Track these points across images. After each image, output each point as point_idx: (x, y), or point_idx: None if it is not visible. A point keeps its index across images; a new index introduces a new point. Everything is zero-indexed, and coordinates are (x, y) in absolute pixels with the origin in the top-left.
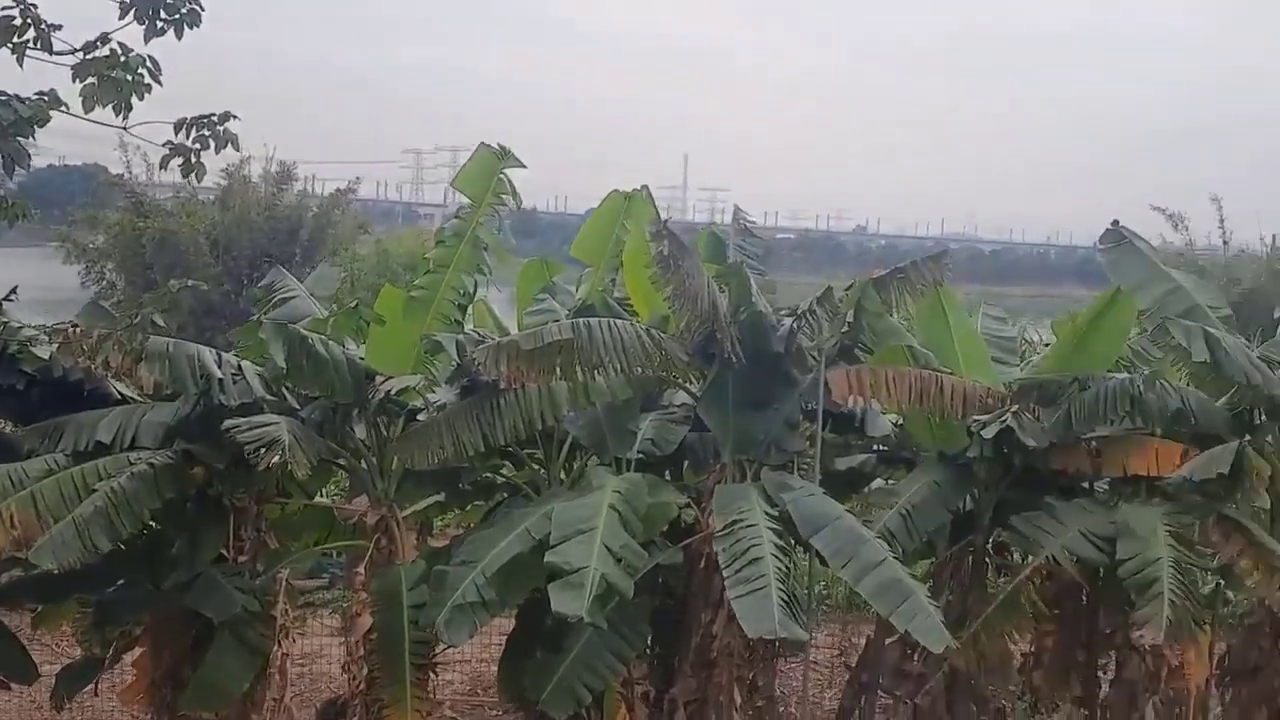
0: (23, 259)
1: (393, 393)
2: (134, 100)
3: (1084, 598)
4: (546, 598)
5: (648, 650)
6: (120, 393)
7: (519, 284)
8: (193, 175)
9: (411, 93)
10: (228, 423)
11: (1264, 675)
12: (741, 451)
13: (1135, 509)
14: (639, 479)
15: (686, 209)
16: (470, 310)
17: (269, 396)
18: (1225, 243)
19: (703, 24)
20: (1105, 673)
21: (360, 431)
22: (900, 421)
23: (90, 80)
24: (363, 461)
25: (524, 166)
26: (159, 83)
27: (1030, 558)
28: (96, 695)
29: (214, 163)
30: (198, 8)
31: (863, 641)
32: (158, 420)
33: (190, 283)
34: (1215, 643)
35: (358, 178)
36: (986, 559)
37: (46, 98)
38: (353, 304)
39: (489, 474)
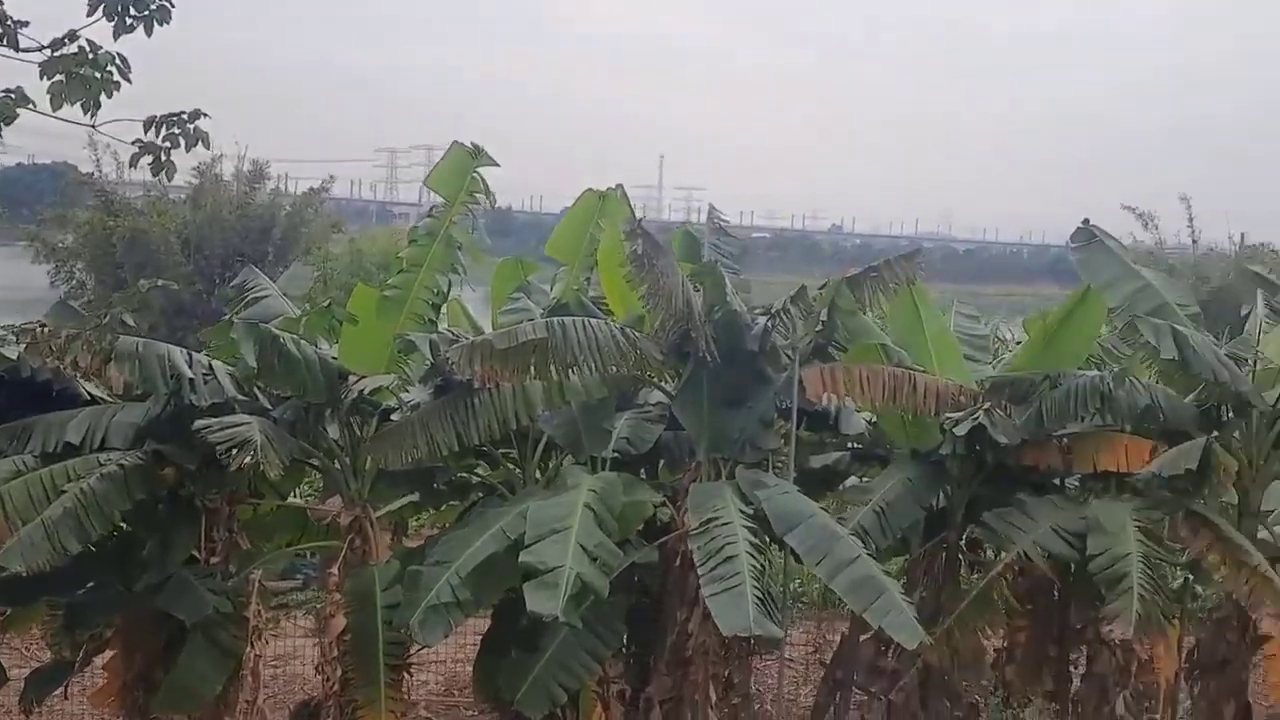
0: None
1: (366, 392)
2: (103, 98)
3: (1055, 593)
4: (522, 597)
5: (623, 649)
6: (89, 393)
7: (493, 283)
8: (163, 174)
9: (409, 92)
10: (199, 423)
11: (1232, 668)
12: (716, 450)
13: (1105, 505)
14: (614, 478)
15: (662, 208)
16: (444, 310)
17: (240, 396)
18: (1194, 241)
19: (684, 24)
20: (1077, 667)
21: (333, 431)
22: (874, 419)
23: (58, 78)
24: (336, 462)
25: (497, 165)
26: (128, 80)
27: (1002, 554)
28: (67, 699)
29: (185, 161)
30: (167, 4)
31: (837, 638)
32: (128, 421)
33: (160, 282)
34: (1184, 637)
35: (331, 176)
36: (959, 555)
37: (14, 95)
38: (325, 303)
39: (464, 474)
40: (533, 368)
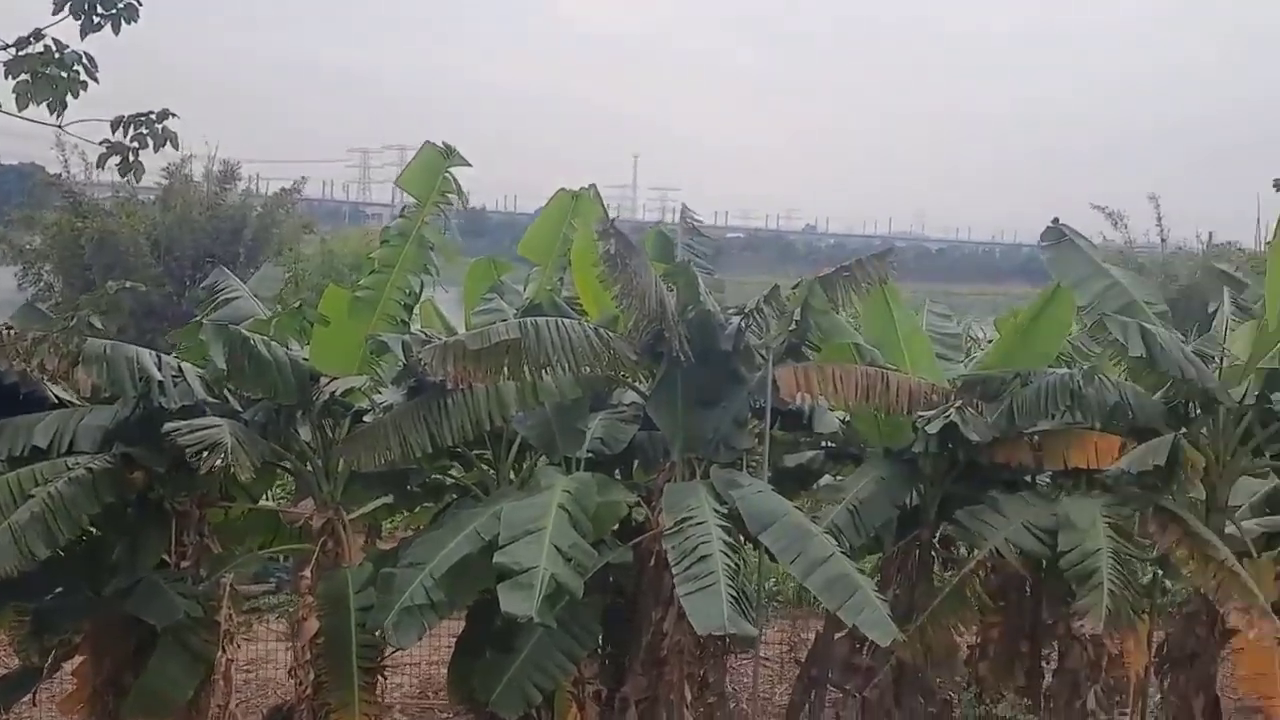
0: None
1: (338, 394)
2: (70, 98)
3: (1027, 589)
4: (496, 598)
5: (599, 649)
6: (57, 396)
7: (466, 284)
8: (131, 174)
9: (385, 92)
10: (168, 426)
11: (1201, 662)
12: (691, 450)
13: (1076, 501)
14: (588, 478)
15: (636, 208)
16: (417, 310)
17: (210, 399)
18: (1163, 240)
19: (659, 25)
20: (1049, 662)
21: (305, 433)
22: (847, 418)
23: (23, 77)
24: (308, 464)
25: (469, 165)
26: (95, 80)
27: (975, 551)
28: (35, 705)
29: (154, 162)
30: (135, 2)
31: (812, 636)
32: (96, 424)
33: (129, 284)
34: (1154, 631)
35: (303, 177)
36: (932, 553)
37: None
38: (296, 304)
39: (437, 475)
40: (506, 368)
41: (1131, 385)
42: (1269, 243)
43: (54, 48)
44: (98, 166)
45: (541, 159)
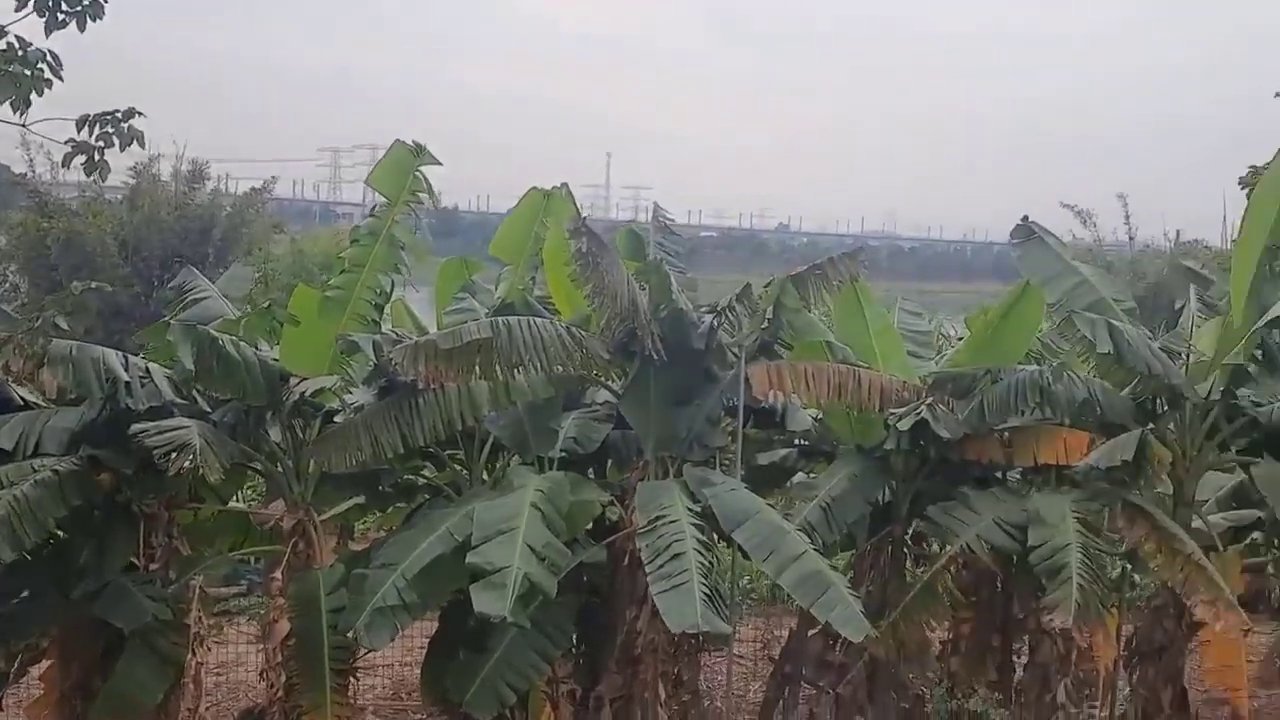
0: None
1: (308, 394)
2: (34, 96)
3: (998, 585)
4: (469, 598)
5: (573, 648)
6: (23, 398)
7: (438, 283)
8: (97, 174)
9: (357, 92)
10: (135, 427)
11: (1169, 655)
12: (664, 448)
13: (1045, 497)
14: (561, 477)
15: (610, 207)
16: (388, 310)
17: (179, 400)
18: (1131, 239)
19: (633, 24)
20: (1020, 657)
21: (275, 434)
22: (820, 416)
23: None
24: (278, 465)
25: (439, 164)
26: (59, 78)
27: (947, 547)
28: (2, 711)
29: (121, 161)
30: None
31: (786, 634)
32: (62, 426)
33: (95, 284)
34: (1122, 625)
35: (273, 176)
36: (905, 549)
37: None
38: (266, 304)
39: (409, 475)
40: (478, 368)
41: (1100, 381)
42: (1235, 240)
43: (17, 45)
44: (63, 166)
45: (516, 159)
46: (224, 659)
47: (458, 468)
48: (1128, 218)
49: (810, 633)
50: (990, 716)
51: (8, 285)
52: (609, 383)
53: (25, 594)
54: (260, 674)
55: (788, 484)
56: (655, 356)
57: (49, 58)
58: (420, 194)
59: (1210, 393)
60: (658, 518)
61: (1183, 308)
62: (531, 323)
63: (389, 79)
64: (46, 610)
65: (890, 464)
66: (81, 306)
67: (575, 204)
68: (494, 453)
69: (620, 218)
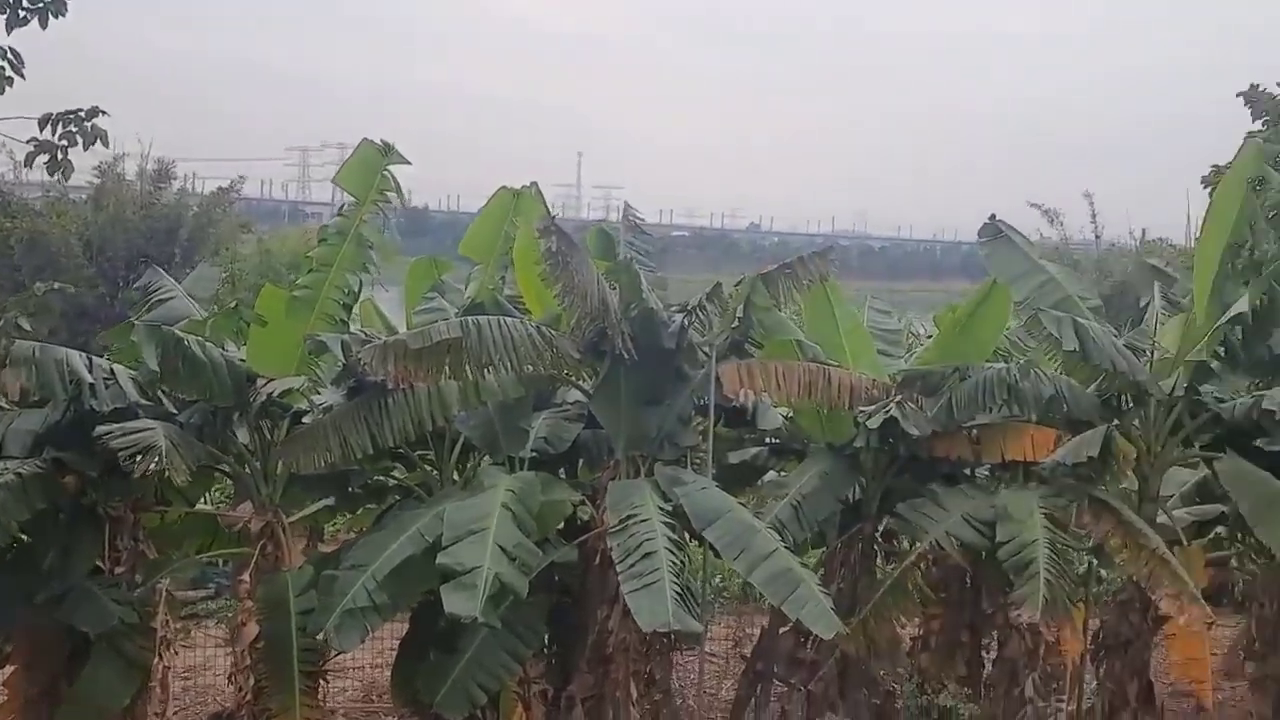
0: None
1: (275, 395)
2: None
3: (968, 581)
4: (440, 599)
5: (544, 648)
6: None
7: (407, 283)
8: (60, 173)
9: (327, 91)
10: (100, 429)
11: (1135, 648)
12: (635, 447)
13: (1013, 493)
14: (532, 477)
15: (581, 207)
16: (356, 310)
17: (144, 401)
18: (1097, 238)
19: (606, 23)
20: (989, 652)
21: (243, 436)
22: (790, 414)
23: None
24: (246, 466)
25: (408, 163)
26: (21, 75)
27: (916, 543)
28: None
29: (85, 160)
30: None
31: (758, 632)
32: (25, 428)
33: (58, 285)
34: (1089, 619)
35: (241, 176)
36: (875, 546)
37: None
38: (232, 304)
39: (379, 476)
40: (448, 367)
41: (1066, 379)
42: (1198, 238)
43: None
44: (25, 165)
45: (487, 159)
46: (192, 663)
47: (428, 468)
48: (1094, 216)
49: (782, 630)
50: (960, 711)
51: None
52: (579, 382)
53: None
54: (228, 677)
55: (759, 482)
56: (626, 356)
57: (10, 55)
58: (388, 193)
59: (1174, 389)
60: (629, 517)
61: (1147, 305)
62: (501, 322)
63: (358, 78)
64: (10, 615)
65: (860, 462)
66: (45, 307)
67: (545, 203)
68: (464, 453)
69: (592, 217)
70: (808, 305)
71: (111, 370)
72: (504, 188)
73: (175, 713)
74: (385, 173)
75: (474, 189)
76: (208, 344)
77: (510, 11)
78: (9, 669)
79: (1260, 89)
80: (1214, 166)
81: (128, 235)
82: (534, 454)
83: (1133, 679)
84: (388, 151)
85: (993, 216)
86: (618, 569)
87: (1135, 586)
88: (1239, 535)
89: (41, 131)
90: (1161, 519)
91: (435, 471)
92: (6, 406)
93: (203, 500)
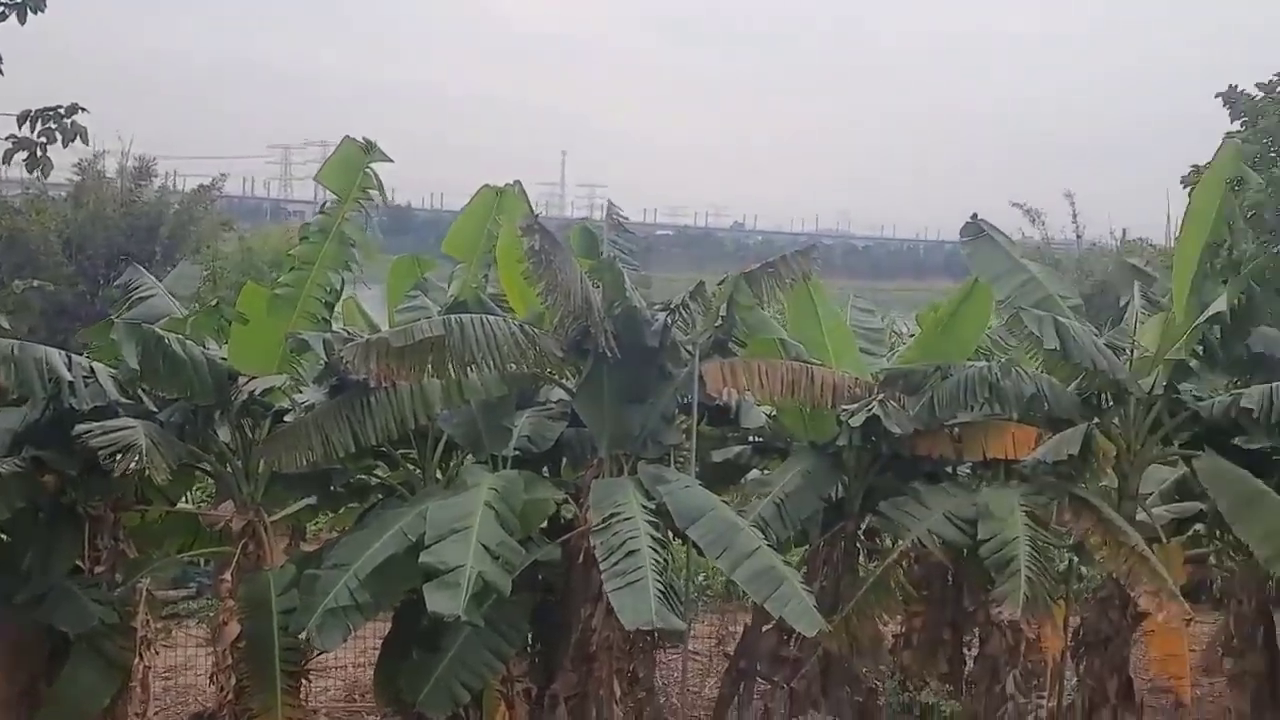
0: None
1: (257, 393)
2: None
3: (949, 578)
4: (423, 598)
5: (528, 647)
6: None
7: (389, 281)
8: (39, 170)
9: (309, 89)
10: (79, 427)
11: (1114, 645)
12: (618, 446)
13: (995, 491)
14: (515, 476)
15: (565, 205)
16: (339, 308)
17: (124, 400)
18: (1079, 237)
19: (591, 24)
20: (970, 649)
21: (224, 434)
22: (773, 412)
23: None
24: (227, 465)
25: (390, 160)
26: None
27: (898, 541)
28: None
29: (65, 158)
30: None
31: (740, 630)
32: (4, 426)
33: (37, 283)
34: (1069, 616)
35: (223, 174)
36: (858, 544)
37: None
38: (214, 302)
39: (362, 475)
40: (431, 366)
41: (1047, 377)
42: (1177, 238)
43: None
44: (4, 162)
45: (472, 158)
46: (173, 663)
47: (411, 467)
48: (1075, 216)
49: (764, 628)
50: (941, 708)
51: None
52: (563, 381)
53: None
54: (210, 677)
55: (742, 480)
56: (609, 354)
57: None
58: (370, 190)
59: (1153, 388)
60: (612, 515)
61: (1127, 304)
62: (484, 320)
63: (344, 77)
64: None
65: (843, 460)
66: (24, 305)
67: (528, 201)
68: (447, 451)
69: (576, 215)
70: (791, 304)
71: (91, 368)
72: (487, 186)
73: (156, 713)
74: (367, 170)
75: (459, 188)
76: (188, 342)
77: (500, 11)
78: None
79: (1239, 90)
80: (1193, 166)
81: (108, 233)
82: (517, 452)
83: (1112, 675)
84: (370, 149)
85: (974, 216)
86: (601, 567)
87: (1115, 583)
88: (1217, 532)
89: (20, 128)
90: (1141, 516)
91: (418, 470)
92: None
93: (184, 499)
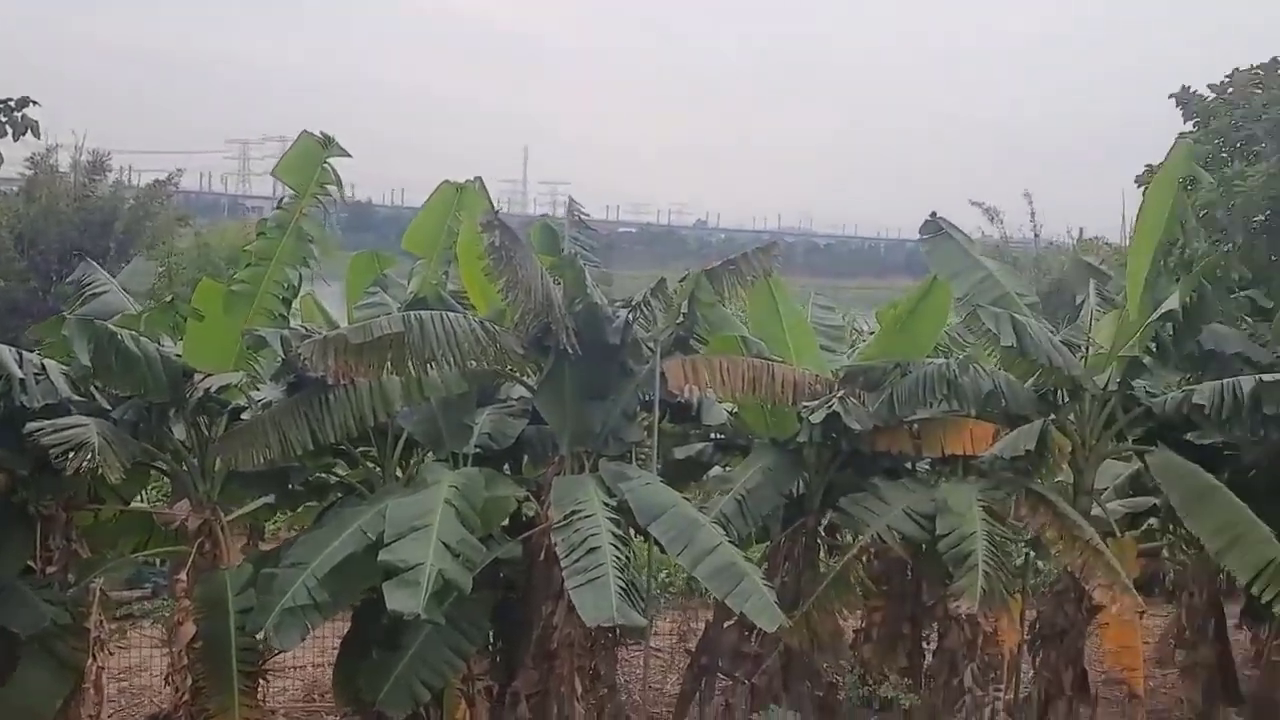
0: None
1: (213, 391)
2: None
3: (909, 573)
4: (382, 597)
5: (489, 645)
6: None
7: (348, 277)
8: None
9: (263, 83)
10: (30, 426)
11: (1069, 638)
12: (580, 443)
13: (953, 487)
14: (476, 473)
15: (527, 202)
16: (297, 305)
17: (76, 397)
18: (1036, 236)
19: (552, 23)
20: (929, 643)
21: (179, 432)
22: (735, 409)
23: None
24: (183, 464)
25: (348, 155)
26: None
27: (859, 537)
28: None
29: (16, 152)
30: None
31: (702, 626)
32: None
33: None
34: (1026, 609)
35: (179, 169)
36: (818, 540)
37: None
38: (168, 299)
39: (321, 473)
40: (390, 363)
41: (1004, 374)
42: (1132, 237)
43: None
44: None
45: (437, 157)
46: (128, 664)
47: (370, 465)
48: (1033, 215)
49: (726, 624)
50: (901, 702)
51: None
52: (524, 378)
53: None
54: (165, 678)
55: (704, 477)
56: (570, 351)
57: None
58: (329, 186)
59: (1108, 384)
60: (573, 512)
61: (1083, 302)
62: (444, 317)
63: (303, 75)
64: None
65: (803, 456)
66: None
67: (489, 197)
68: (407, 449)
69: (538, 212)
70: (752, 301)
71: (43, 365)
72: (447, 182)
73: (110, 715)
74: (325, 165)
75: (421, 186)
76: (142, 339)
77: (446, 8)
78: None
79: (1191, 91)
80: (1147, 166)
81: (61, 228)
82: (478, 450)
83: (1068, 668)
84: (328, 144)
85: (934, 214)
86: (562, 564)
87: (1070, 577)
88: (1170, 526)
89: None
90: (1096, 511)
91: (377, 468)
92: None
93: (139, 498)
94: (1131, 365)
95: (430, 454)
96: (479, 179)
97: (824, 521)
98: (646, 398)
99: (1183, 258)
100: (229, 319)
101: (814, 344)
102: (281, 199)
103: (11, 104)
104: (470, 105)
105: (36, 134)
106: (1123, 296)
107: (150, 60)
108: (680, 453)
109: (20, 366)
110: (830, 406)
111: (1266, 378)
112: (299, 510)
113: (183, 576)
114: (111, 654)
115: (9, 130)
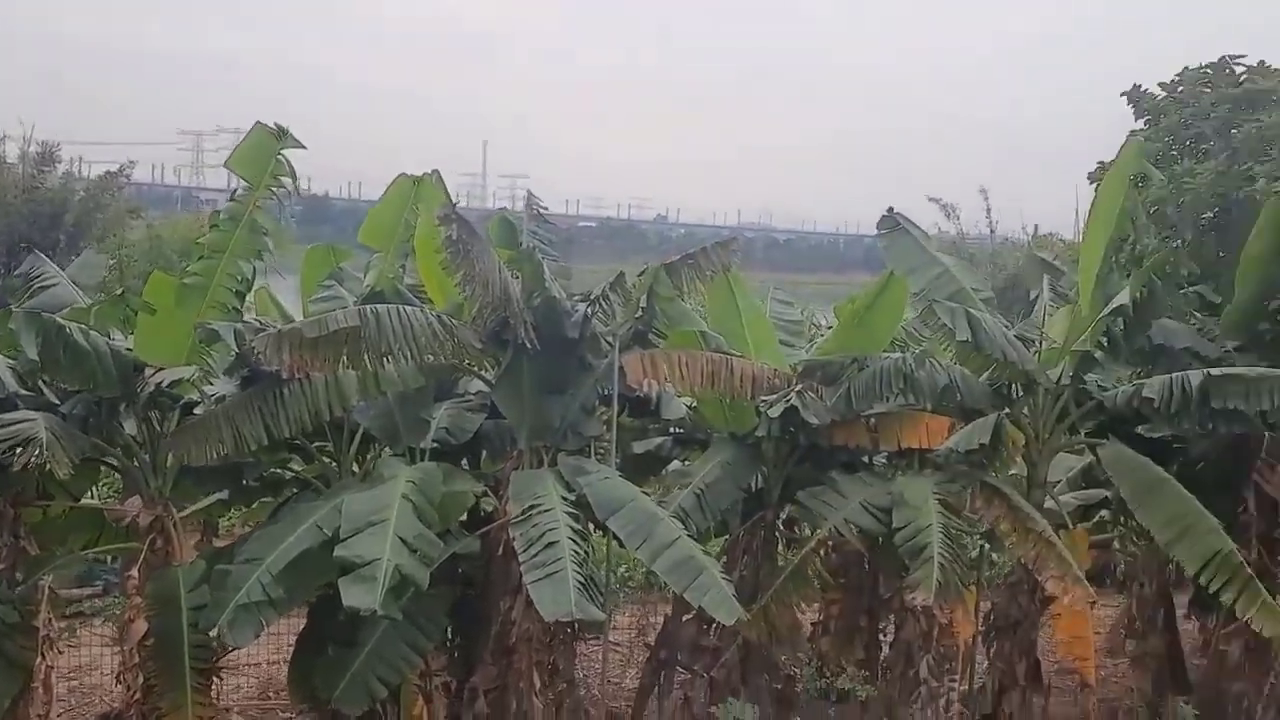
0: None
1: (165, 385)
2: None
3: (866, 566)
4: (339, 593)
5: (447, 640)
6: None
7: (304, 271)
8: None
9: (215, 77)
10: None
11: (1023, 629)
12: (538, 438)
13: (909, 480)
14: (433, 468)
15: (487, 196)
16: (251, 298)
17: (24, 391)
18: (992, 232)
19: (519, 20)
20: (886, 635)
21: (130, 427)
22: (694, 404)
23: None
24: (134, 459)
25: (303, 147)
26: None
27: (817, 530)
28: None
29: None
30: None
31: (661, 620)
32: None
33: None
34: (980, 601)
35: (131, 161)
36: (776, 533)
37: None
38: (119, 292)
39: (275, 469)
40: (346, 357)
41: (960, 368)
42: (1084, 233)
43: None
44: None
45: (392, 150)
46: (79, 663)
47: (326, 460)
48: (989, 211)
49: (685, 618)
50: (858, 693)
51: None
52: (482, 372)
53: None
54: (116, 677)
55: (663, 472)
56: (528, 345)
57: None
58: (283, 178)
59: (1060, 378)
60: (532, 507)
61: (1037, 298)
62: (401, 311)
63: (263, 70)
64: None
65: (762, 451)
66: None
67: (446, 190)
68: (364, 444)
69: (497, 207)
70: (711, 296)
71: None
72: (404, 175)
73: (60, 714)
74: (280, 158)
75: (378, 179)
76: (92, 332)
77: (434, 10)
78: None
79: (1142, 89)
80: (1099, 163)
81: (9, 220)
82: (435, 445)
83: (1021, 658)
84: (282, 135)
85: (891, 209)
86: (520, 559)
87: (1024, 569)
88: (1121, 518)
89: None
90: (1049, 504)
91: (333, 463)
92: None
93: (89, 494)
94: (1084, 360)
95: (387, 449)
96: (436, 172)
97: (782, 515)
98: (605, 392)
99: (1133, 254)
100: (181, 312)
101: (773, 339)
102: (235, 191)
103: None
104: (430, 102)
105: None
106: (1075, 292)
107: (103, 53)
108: (639, 447)
109: None
110: (788, 401)
111: (1214, 372)
112: (253, 506)
113: (134, 573)
114: (61, 653)
115: None
